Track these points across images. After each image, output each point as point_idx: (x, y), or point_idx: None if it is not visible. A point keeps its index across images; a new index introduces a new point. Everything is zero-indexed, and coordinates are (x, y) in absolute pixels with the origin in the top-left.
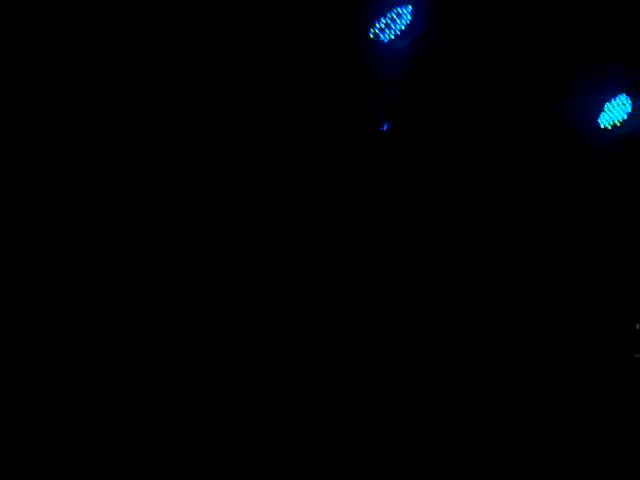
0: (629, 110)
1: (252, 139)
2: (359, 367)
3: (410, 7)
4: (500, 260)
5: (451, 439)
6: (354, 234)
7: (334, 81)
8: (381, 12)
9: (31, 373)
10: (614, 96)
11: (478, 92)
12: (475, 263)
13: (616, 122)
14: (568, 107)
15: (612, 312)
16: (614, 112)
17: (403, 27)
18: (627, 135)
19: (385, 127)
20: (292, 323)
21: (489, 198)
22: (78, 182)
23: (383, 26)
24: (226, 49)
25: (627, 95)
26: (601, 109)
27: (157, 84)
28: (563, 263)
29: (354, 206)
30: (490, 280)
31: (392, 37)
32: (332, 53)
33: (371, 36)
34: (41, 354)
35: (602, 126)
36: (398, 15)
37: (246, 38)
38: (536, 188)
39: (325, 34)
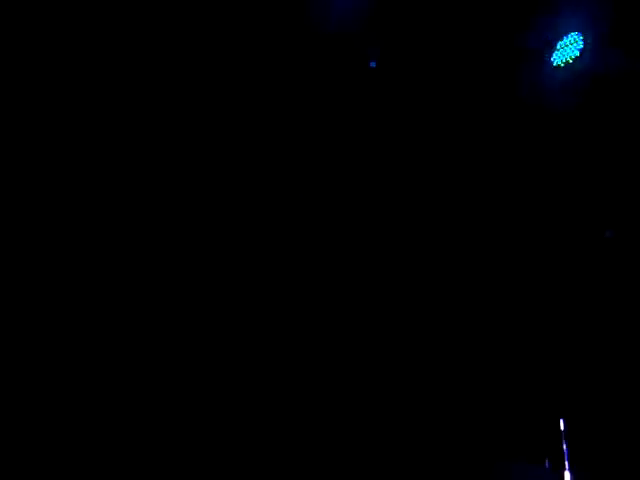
0: (581, 47)
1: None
2: (355, 364)
3: None
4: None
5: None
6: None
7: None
8: None
9: (31, 373)
10: (566, 34)
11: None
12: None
13: (569, 60)
14: (521, 45)
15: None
16: (566, 50)
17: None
18: (580, 72)
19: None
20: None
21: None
22: (77, 182)
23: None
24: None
25: (578, 33)
26: (553, 47)
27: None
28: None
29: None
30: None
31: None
32: None
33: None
34: (40, 354)
35: (555, 64)
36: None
37: None
38: (491, 124)
39: None
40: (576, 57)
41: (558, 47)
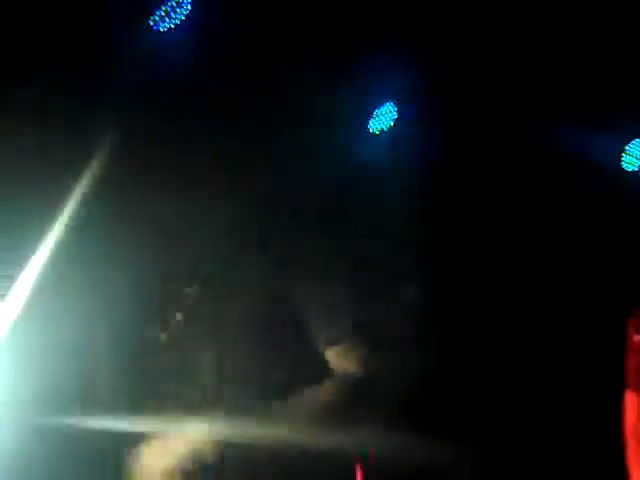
0: (395, 117)
1: None
2: None
3: None
4: None
5: None
6: None
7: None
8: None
9: None
10: (382, 104)
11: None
12: None
13: (384, 128)
14: (339, 112)
15: None
16: (382, 119)
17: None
18: (394, 140)
19: None
20: None
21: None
22: None
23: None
24: None
25: (393, 103)
26: (370, 115)
27: None
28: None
29: None
30: None
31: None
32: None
33: (150, 23)
34: None
35: (371, 131)
36: (178, 4)
37: None
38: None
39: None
40: (391, 126)
41: (374, 115)
